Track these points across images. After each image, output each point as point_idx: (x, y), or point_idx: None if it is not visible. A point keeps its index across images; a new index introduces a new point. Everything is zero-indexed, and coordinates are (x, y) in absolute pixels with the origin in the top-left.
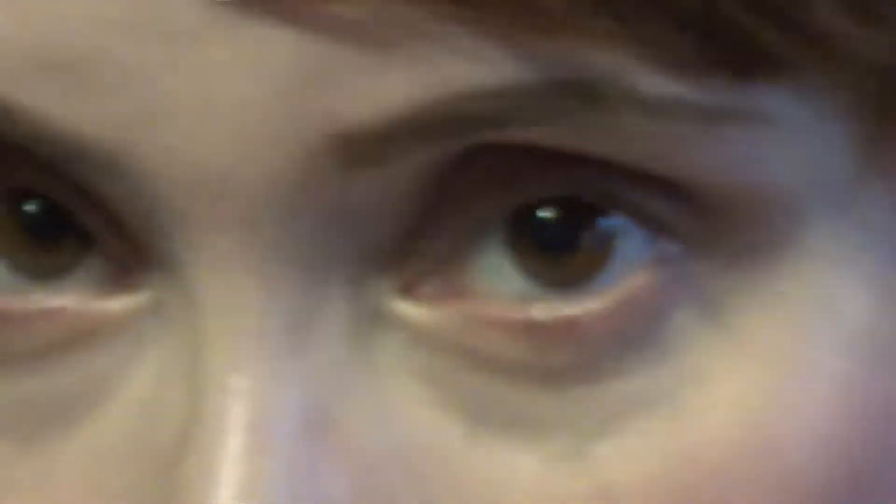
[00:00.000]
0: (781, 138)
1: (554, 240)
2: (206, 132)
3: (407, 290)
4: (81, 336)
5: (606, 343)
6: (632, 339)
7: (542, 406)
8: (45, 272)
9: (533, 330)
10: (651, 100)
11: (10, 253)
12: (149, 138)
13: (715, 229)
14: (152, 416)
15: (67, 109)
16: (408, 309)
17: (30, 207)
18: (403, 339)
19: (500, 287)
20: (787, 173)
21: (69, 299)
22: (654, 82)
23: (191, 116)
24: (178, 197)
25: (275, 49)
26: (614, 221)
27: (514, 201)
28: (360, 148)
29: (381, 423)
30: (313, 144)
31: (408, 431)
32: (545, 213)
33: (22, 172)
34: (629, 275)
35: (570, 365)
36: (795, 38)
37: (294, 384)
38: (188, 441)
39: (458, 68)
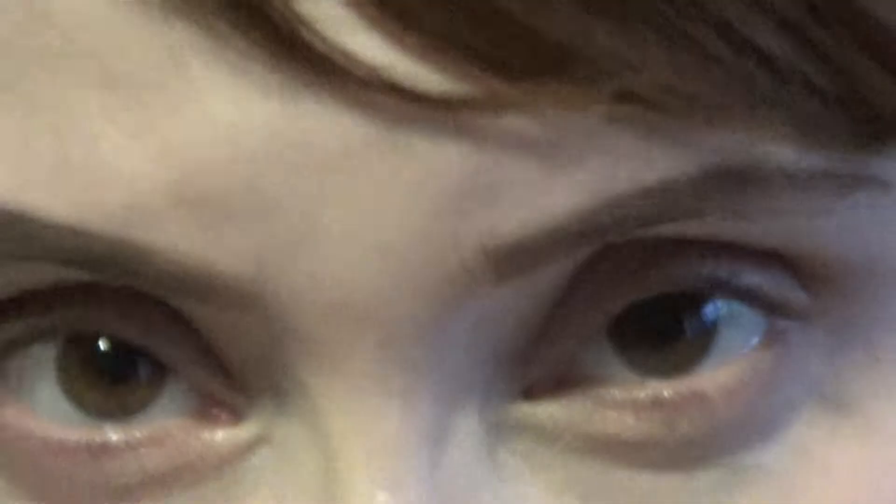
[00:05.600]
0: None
1: (657, 330)
2: (355, 256)
3: (529, 392)
4: (186, 467)
5: (725, 417)
6: (747, 413)
7: (658, 483)
8: (116, 412)
9: (659, 405)
10: (801, 174)
11: (80, 395)
12: (291, 268)
13: (828, 304)
14: None
15: (204, 246)
16: (531, 409)
17: (104, 347)
18: (528, 440)
19: (607, 376)
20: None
21: (158, 431)
22: (802, 157)
23: (339, 242)
24: (312, 324)
25: (435, 167)
26: (719, 307)
27: (636, 296)
28: (518, 259)
29: None
30: (470, 261)
31: None
32: (649, 305)
33: (94, 313)
34: (740, 353)
35: (691, 440)
36: None
37: (432, 499)
38: None
39: (620, 170)
